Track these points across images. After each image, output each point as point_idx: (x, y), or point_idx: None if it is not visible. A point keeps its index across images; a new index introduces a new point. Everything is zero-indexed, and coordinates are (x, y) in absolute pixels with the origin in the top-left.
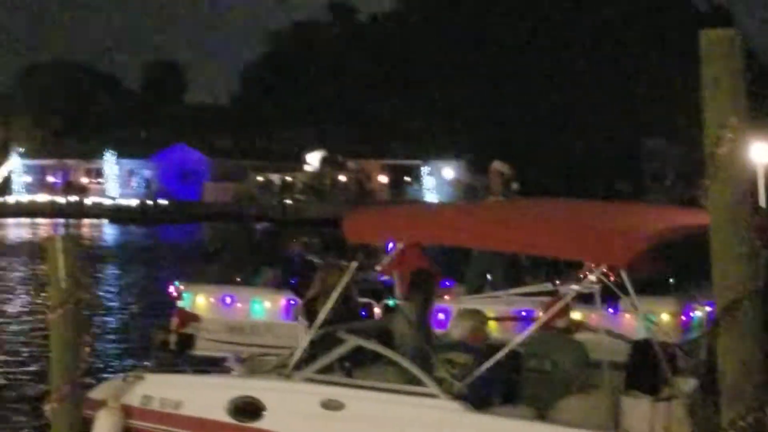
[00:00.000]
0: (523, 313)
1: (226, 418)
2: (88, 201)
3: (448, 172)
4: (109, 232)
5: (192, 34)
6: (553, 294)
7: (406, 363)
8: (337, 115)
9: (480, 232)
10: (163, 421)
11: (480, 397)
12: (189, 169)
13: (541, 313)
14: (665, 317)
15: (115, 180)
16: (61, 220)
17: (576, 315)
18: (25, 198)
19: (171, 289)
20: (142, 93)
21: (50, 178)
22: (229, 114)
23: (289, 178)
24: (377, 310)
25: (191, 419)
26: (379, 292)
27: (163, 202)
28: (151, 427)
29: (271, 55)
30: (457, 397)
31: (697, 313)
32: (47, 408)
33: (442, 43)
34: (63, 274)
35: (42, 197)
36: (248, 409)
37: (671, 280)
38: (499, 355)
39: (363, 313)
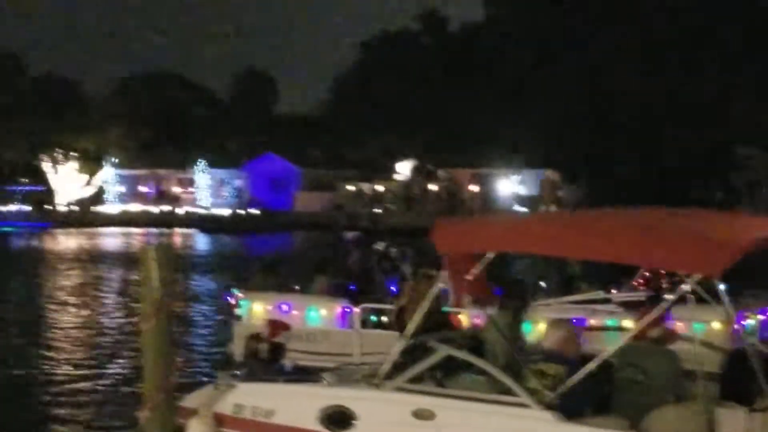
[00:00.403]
0: (574, 321)
1: (318, 427)
2: (180, 210)
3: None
4: (200, 241)
5: (283, 44)
6: (607, 302)
7: (497, 373)
8: (428, 124)
9: (573, 242)
10: (255, 429)
11: (572, 408)
12: (280, 179)
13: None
14: (716, 325)
15: (207, 190)
16: (154, 230)
17: (626, 323)
18: (118, 208)
19: (229, 297)
20: (234, 103)
21: (143, 188)
22: (319, 123)
23: (379, 188)
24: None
25: (283, 428)
26: None
27: (254, 211)
28: None
29: (362, 64)
30: (550, 407)
31: (750, 321)
32: (141, 416)
33: (533, 51)
34: (156, 284)
35: (135, 207)
36: (339, 418)
37: (723, 288)
38: (592, 365)
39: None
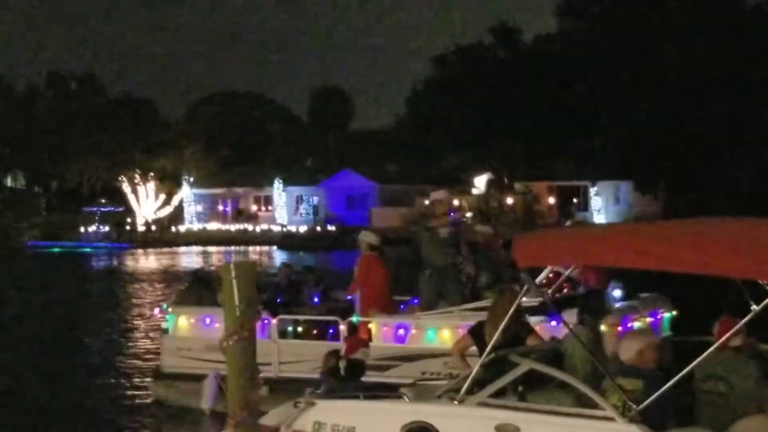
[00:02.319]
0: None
1: None
2: (258, 228)
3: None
4: (278, 258)
5: (358, 61)
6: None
7: (582, 386)
8: (504, 137)
9: (662, 255)
10: None
11: (656, 421)
12: (356, 195)
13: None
14: (603, 328)
15: (284, 207)
16: (232, 248)
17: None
18: (196, 226)
19: (156, 311)
20: (310, 120)
21: (220, 207)
22: (395, 139)
23: (456, 202)
24: (342, 327)
25: None
26: (346, 310)
27: (331, 228)
28: None
29: (436, 79)
30: (634, 421)
31: (637, 324)
32: None
33: (606, 62)
34: (237, 302)
35: (213, 225)
36: None
37: (618, 294)
38: (676, 379)
39: (329, 329)
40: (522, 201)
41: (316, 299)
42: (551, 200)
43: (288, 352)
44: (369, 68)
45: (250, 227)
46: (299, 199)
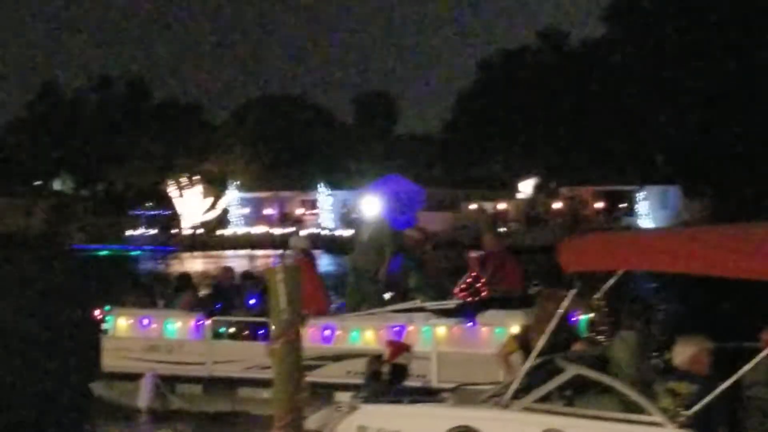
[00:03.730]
0: (396, 329)
1: None
2: (304, 232)
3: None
4: (324, 262)
5: (403, 65)
6: (422, 310)
7: (630, 391)
8: (550, 141)
9: (705, 258)
10: None
11: (706, 427)
12: (402, 199)
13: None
14: (515, 329)
15: (330, 211)
16: (278, 251)
17: (441, 329)
18: (242, 230)
19: (96, 312)
20: (355, 124)
21: (266, 210)
22: (441, 143)
23: (502, 206)
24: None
25: None
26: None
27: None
28: None
29: (482, 83)
30: (684, 426)
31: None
32: None
33: (654, 66)
34: (284, 305)
35: (258, 229)
36: None
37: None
38: (726, 384)
39: (259, 331)
40: (569, 206)
41: (253, 302)
42: (598, 205)
43: (220, 352)
44: (415, 72)
45: (295, 231)
46: (345, 203)
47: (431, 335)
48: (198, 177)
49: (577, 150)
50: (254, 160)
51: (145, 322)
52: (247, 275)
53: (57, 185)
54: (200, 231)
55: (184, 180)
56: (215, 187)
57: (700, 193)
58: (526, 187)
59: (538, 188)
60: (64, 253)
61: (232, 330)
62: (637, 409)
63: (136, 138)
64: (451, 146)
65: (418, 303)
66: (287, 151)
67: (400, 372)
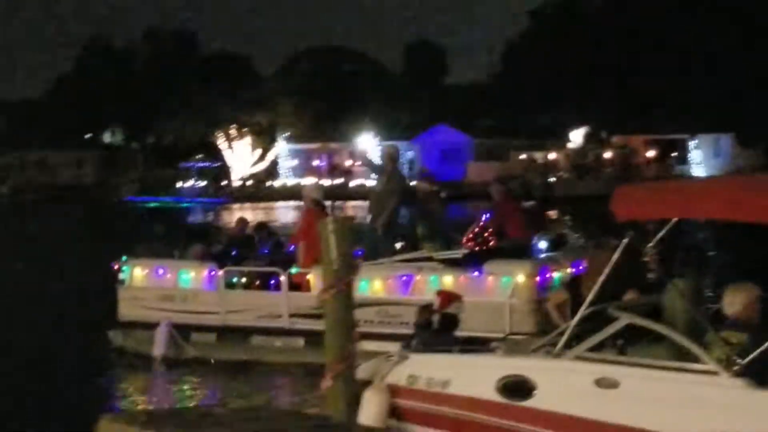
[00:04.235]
0: (404, 278)
1: (496, 397)
2: (353, 183)
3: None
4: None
5: (452, 14)
6: (430, 260)
7: (684, 340)
8: (601, 90)
9: (756, 205)
10: (430, 400)
11: (760, 376)
12: (451, 150)
13: None
14: (521, 278)
15: (378, 161)
16: (327, 203)
17: (448, 278)
18: (291, 181)
19: (114, 263)
20: (404, 74)
21: (315, 162)
22: (490, 93)
23: (552, 156)
24: (282, 278)
25: (459, 398)
26: (288, 262)
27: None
28: (418, 406)
29: (532, 32)
30: (739, 374)
31: (556, 274)
32: (322, 385)
33: (706, 11)
34: (335, 256)
35: (307, 180)
36: (519, 388)
37: (543, 245)
38: None
39: (271, 280)
40: (619, 155)
41: (266, 252)
42: (649, 154)
43: (233, 301)
44: (464, 21)
45: (344, 182)
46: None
47: (438, 284)
48: (247, 129)
49: (629, 98)
50: (303, 111)
51: (160, 272)
52: (260, 226)
53: (107, 138)
54: (249, 183)
55: (233, 132)
56: (264, 138)
57: (753, 140)
58: (576, 137)
59: (588, 138)
60: (115, 205)
61: (244, 280)
62: (691, 357)
63: (185, 90)
64: (500, 96)
65: (425, 253)
66: (336, 102)
67: (450, 321)
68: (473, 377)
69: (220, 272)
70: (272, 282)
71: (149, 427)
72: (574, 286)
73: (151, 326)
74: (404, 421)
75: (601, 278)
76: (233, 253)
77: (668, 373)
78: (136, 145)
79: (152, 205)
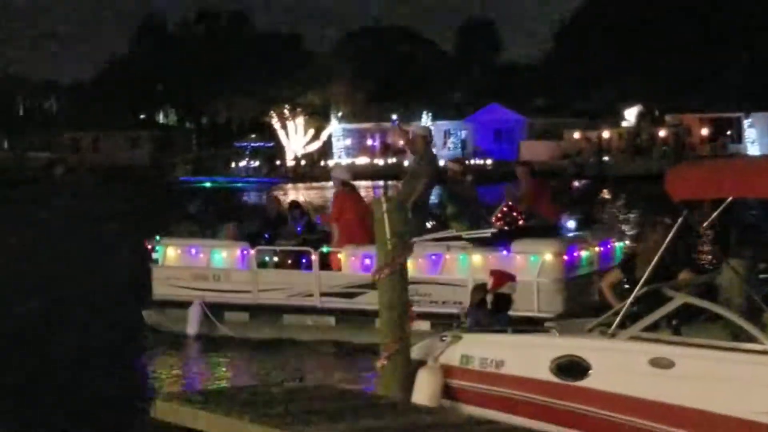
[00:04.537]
0: (433, 257)
1: (550, 377)
2: (406, 162)
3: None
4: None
5: None
6: (459, 239)
7: (740, 320)
8: (654, 68)
9: None
10: (484, 380)
11: None
12: (504, 129)
13: None
14: (548, 257)
15: (432, 141)
16: (380, 182)
17: (476, 257)
18: (345, 161)
19: (147, 243)
20: (457, 53)
21: (369, 141)
22: (543, 72)
23: (606, 135)
24: (314, 257)
25: (513, 378)
26: (320, 241)
27: (479, 162)
28: (472, 386)
29: (585, 10)
30: None
31: (584, 253)
32: (377, 365)
33: None
34: (389, 235)
35: (361, 160)
36: (573, 368)
37: (571, 225)
38: None
39: (303, 260)
40: (673, 134)
41: (299, 229)
42: (703, 132)
43: (265, 280)
44: (517, 0)
45: (398, 161)
46: (447, 134)
47: (467, 263)
48: (300, 108)
49: (683, 77)
50: (356, 90)
51: (193, 251)
52: (293, 204)
53: (161, 118)
54: (303, 162)
55: (286, 111)
56: (318, 118)
57: None
58: (630, 115)
59: (642, 116)
60: (169, 186)
61: (276, 259)
62: (747, 337)
63: (238, 70)
64: (554, 75)
65: (454, 232)
66: (389, 82)
67: (503, 301)
68: (527, 357)
69: (252, 251)
70: (303, 261)
71: (205, 407)
72: (628, 265)
73: (184, 305)
74: (458, 402)
75: (656, 258)
76: (266, 233)
77: (723, 353)
78: (191, 125)
79: (206, 185)
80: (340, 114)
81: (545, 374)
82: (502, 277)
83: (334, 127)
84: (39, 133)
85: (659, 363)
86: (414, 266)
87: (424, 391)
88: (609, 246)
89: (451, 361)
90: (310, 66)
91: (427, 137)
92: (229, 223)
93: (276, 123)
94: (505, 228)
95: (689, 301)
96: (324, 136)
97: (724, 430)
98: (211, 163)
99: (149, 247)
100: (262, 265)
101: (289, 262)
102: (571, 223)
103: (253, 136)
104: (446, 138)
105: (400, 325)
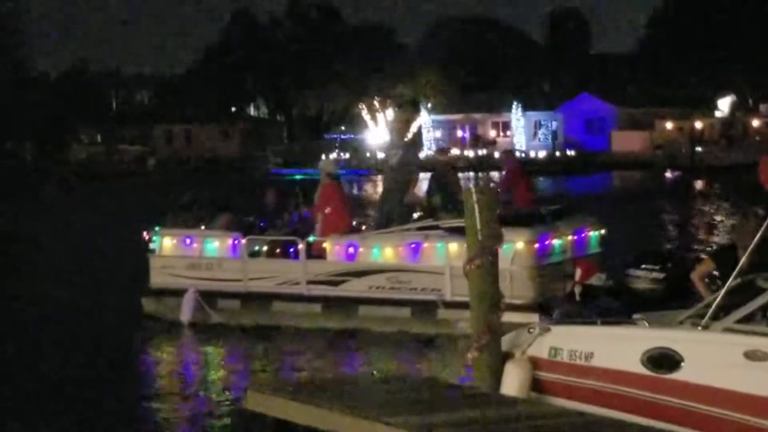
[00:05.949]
0: (413, 246)
1: (642, 370)
2: (496, 154)
3: None
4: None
5: None
6: (436, 228)
7: None
8: (750, 57)
9: None
10: (573, 372)
11: None
12: (595, 119)
13: None
14: (520, 245)
15: (522, 132)
16: (470, 174)
17: (453, 245)
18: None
19: (144, 233)
20: (547, 44)
21: (458, 133)
22: (635, 62)
23: (698, 125)
24: (300, 246)
25: (604, 370)
26: (307, 232)
27: (570, 152)
28: (561, 379)
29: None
30: None
31: (556, 242)
32: (469, 356)
33: None
34: (479, 226)
35: (451, 151)
36: (666, 361)
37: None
38: None
39: (290, 249)
40: (767, 123)
41: (295, 219)
42: None
43: (255, 269)
44: None
45: (488, 153)
46: (537, 124)
47: (444, 251)
48: (390, 100)
49: None
50: (446, 82)
51: (188, 241)
52: (293, 194)
53: (252, 111)
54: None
55: (376, 103)
56: (407, 109)
57: None
58: (723, 105)
59: (735, 106)
60: (260, 178)
61: (265, 248)
62: None
63: (328, 62)
64: (646, 65)
65: (431, 221)
66: (479, 73)
67: (591, 293)
68: (618, 349)
69: (243, 241)
70: (291, 250)
71: (296, 397)
72: (720, 256)
73: (180, 293)
74: (546, 394)
75: (750, 248)
76: (261, 223)
77: None
78: (281, 117)
79: (297, 177)
80: (429, 105)
81: (636, 366)
82: (590, 268)
83: (424, 118)
84: (131, 127)
85: (754, 355)
86: (395, 254)
87: (512, 383)
88: (583, 235)
89: (539, 353)
90: (400, 57)
91: (410, 122)
92: (222, 214)
93: (366, 115)
94: None
95: None
96: (414, 127)
97: None
98: (302, 155)
99: (147, 237)
100: (254, 254)
101: (278, 251)
102: (546, 214)
103: (343, 127)
104: (536, 129)
105: (490, 317)
